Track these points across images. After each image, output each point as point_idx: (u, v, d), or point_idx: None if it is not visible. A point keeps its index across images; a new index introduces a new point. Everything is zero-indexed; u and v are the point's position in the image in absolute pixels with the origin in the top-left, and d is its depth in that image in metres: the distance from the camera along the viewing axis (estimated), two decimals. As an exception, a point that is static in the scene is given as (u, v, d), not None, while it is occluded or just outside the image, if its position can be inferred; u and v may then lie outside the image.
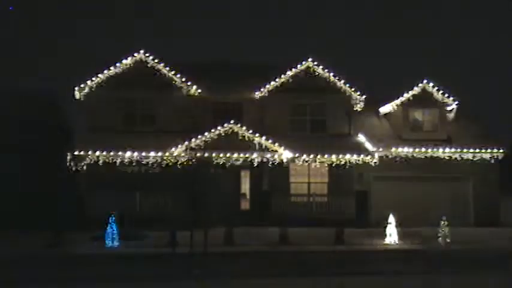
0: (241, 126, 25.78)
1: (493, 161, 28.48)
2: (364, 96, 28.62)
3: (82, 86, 27.01)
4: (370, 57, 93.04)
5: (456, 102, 29.52)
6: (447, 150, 28.12)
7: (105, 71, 27.21)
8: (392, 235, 20.77)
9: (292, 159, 26.08)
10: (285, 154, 25.78)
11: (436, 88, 29.34)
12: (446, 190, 28.29)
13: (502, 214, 28.54)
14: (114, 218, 19.27)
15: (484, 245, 20.44)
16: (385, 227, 20.94)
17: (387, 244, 20.41)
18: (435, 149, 28.03)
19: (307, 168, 27.29)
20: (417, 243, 20.44)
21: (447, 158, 28.12)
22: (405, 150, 27.92)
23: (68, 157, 24.68)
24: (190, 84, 27.65)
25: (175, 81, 27.61)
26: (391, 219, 20.94)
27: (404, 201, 27.43)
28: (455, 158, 28.16)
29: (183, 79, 27.68)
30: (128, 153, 24.89)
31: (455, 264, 16.24)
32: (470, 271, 14.63)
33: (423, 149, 27.94)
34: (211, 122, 27.07)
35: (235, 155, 25.52)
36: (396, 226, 20.85)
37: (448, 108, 29.67)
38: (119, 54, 28.10)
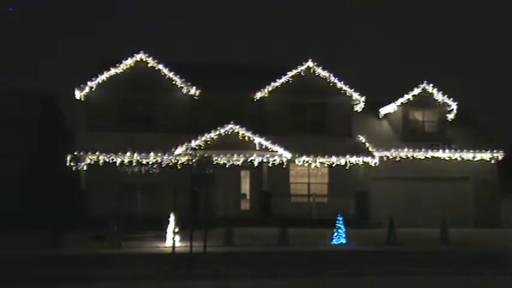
0: (242, 127, 25.80)
1: (492, 162, 28.52)
2: (364, 97, 28.65)
3: (82, 86, 27.03)
4: (370, 58, 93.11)
5: (456, 103, 29.55)
6: (447, 151, 28.15)
7: (106, 71, 27.22)
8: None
9: (293, 160, 26.12)
10: (285, 155, 25.80)
11: (436, 89, 29.39)
12: (446, 191, 28.31)
13: (502, 215, 28.57)
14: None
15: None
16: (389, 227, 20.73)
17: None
18: (435, 150, 28.05)
19: (307, 169, 27.32)
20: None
21: (447, 158, 28.15)
22: (405, 151, 27.94)
23: (68, 157, 24.69)
24: (190, 85, 27.67)
25: (176, 82, 27.63)
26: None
27: (404, 202, 27.48)
28: (455, 159, 28.19)
29: (184, 79, 27.69)
30: (128, 154, 24.91)
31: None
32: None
33: (423, 150, 27.96)
34: (212, 122, 27.10)
35: (236, 156, 25.55)
36: (396, 227, 20.83)
37: (448, 109, 29.70)
38: (119, 55, 28.17)
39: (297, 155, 25.97)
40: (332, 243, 20.12)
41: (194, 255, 14.81)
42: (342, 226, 20.34)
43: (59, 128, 32.02)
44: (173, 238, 17.28)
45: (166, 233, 19.26)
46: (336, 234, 20.24)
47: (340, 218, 20.40)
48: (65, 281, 12.92)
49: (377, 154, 26.99)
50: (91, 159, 24.82)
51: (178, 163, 25.25)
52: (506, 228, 27.29)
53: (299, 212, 25.80)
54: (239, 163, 25.96)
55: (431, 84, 29.45)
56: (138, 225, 22.13)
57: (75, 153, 24.64)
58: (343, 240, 20.17)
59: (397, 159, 27.92)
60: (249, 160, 25.82)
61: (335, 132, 28.43)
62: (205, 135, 25.45)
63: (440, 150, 28.09)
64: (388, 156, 27.82)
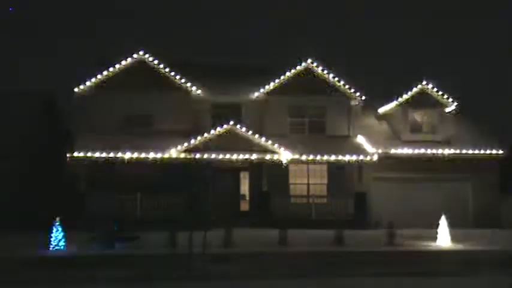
0: (241, 127, 25.78)
1: (492, 162, 28.49)
2: (363, 97, 28.62)
3: (81, 86, 27.00)
4: (370, 58, 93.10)
5: (455, 103, 29.51)
6: (446, 150, 28.13)
7: (105, 71, 27.18)
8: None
9: (292, 160, 26.08)
10: (284, 155, 25.77)
11: (435, 88, 29.35)
12: (445, 191, 28.28)
13: (502, 215, 28.57)
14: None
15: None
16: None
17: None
18: (434, 150, 28.05)
19: (307, 169, 27.30)
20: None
21: (446, 158, 28.14)
22: (404, 151, 27.93)
23: (68, 157, 24.67)
24: (189, 85, 27.64)
25: (175, 82, 27.60)
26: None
27: (404, 202, 27.47)
28: (455, 159, 28.18)
29: (183, 79, 27.67)
30: (127, 154, 24.89)
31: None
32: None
33: (422, 150, 27.95)
34: (211, 122, 27.11)
35: (235, 156, 25.54)
36: (395, 227, 20.82)
37: (448, 109, 29.66)
38: (118, 54, 28.09)
39: (296, 156, 25.96)
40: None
41: (193, 256, 14.78)
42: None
43: (59, 128, 32.00)
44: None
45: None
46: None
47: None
48: (64, 282, 12.94)
49: (376, 154, 26.96)
50: (90, 159, 24.79)
51: (178, 163, 25.23)
52: (506, 228, 27.29)
53: (298, 212, 25.79)
54: (238, 164, 25.94)
55: (430, 84, 29.42)
56: (137, 226, 22.09)
57: (75, 153, 24.61)
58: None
59: (396, 159, 27.90)
60: (248, 161, 25.80)
61: (334, 132, 28.40)
62: (205, 135, 25.43)
63: (440, 150, 28.08)
64: (387, 156, 27.79)
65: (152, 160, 25.13)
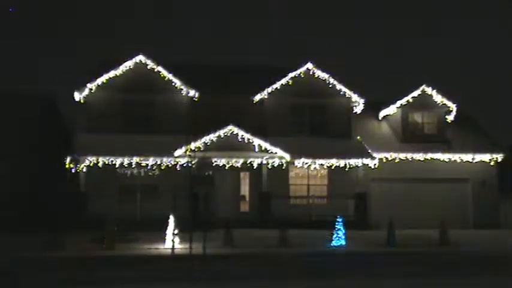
0: (241, 128, 25.79)
1: (492, 163, 28.54)
2: (363, 99, 28.66)
3: (82, 88, 27.03)
4: (370, 59, 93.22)
5: (455, 105, 29.56)
6: (446, 152, 28.18)
7: (105, 73, 27.21)
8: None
9: (292, 162, 26.11)
10: (285, 156, 25.79)
11: (436, 91, 29.41)
12: (445, 192, 28.34)
13: (501, 216, 28.62)
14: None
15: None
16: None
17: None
18: (434, 152, 28.09)
19: (307, 171, 27.32)
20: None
21: (446, 160, 28.19)
22: (404, 153, 27.97)
23: (68, 159, 24.68)
24: (190, 86, 27.66)
25: (175, 83, 27.62)
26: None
27: (404, 203, 27.50)
28: (455, 161, 28.23)
29: (183, 81, 27.69)
30: (128, 155, 24.89)
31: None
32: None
33: (422, 152, 27.99)
34: (211, 124, 27.08)
35: (235, 157, 25.55)
36: (395, 228, 20.81)
37: (448, 111, 29.70)
38: (119, 56, 28.16)
39: (296, 157, 25.97)
40: (331, 244, 20.13)
41: (193, 256, 14.81)
42: (342, 228, 20.32)
43: (59, 129, 32.02)
44: (172, 240, 17.30)
45: (166, 234, 19.28)
46: (335, 235, 20.22)
47: (340, 220, 20.38)
48: (63, 283, 12.93)
49: (376, 155, 26.99)
50: (90, 161, 24.81)
51: (178, 165, 25.24)
52: (505, 229, 27.34)
53: (298, 213, 25.81)
54: (238, 165, 25.97)
55: (430, 86, 29.49)
56: (137, 226, 22.11)
57: (75, 154, 24.63)
58: (343, 242, 20.14)
59: (396, 161, 27.95)
60: (248, 162, 25.83)
61: (334, 133, 28.43)
62: (205, 136, 25.45)
63: (440, 152, 28.13)
64: (387, 158, 27.84)
65: (152, 161, 25.14)
